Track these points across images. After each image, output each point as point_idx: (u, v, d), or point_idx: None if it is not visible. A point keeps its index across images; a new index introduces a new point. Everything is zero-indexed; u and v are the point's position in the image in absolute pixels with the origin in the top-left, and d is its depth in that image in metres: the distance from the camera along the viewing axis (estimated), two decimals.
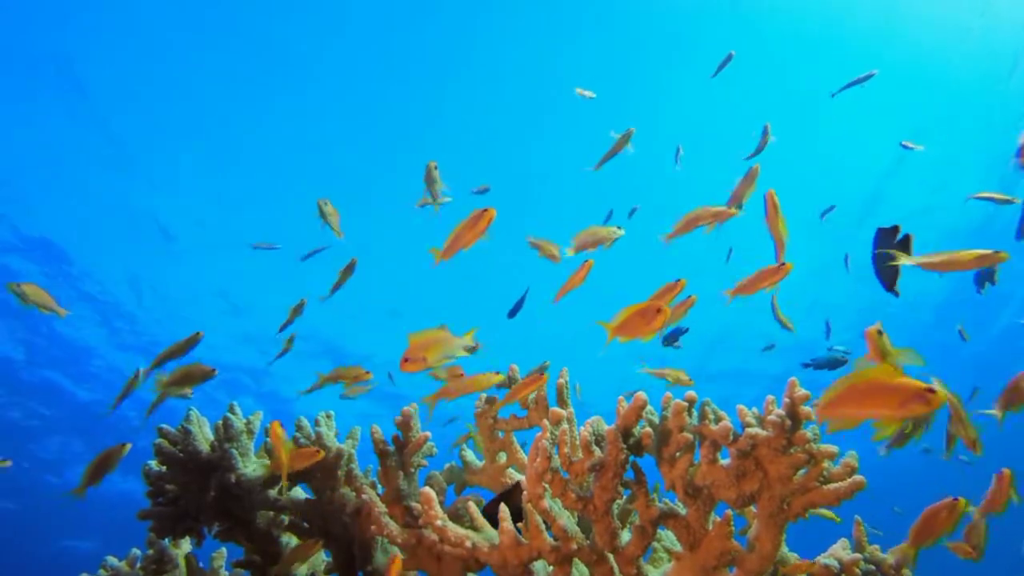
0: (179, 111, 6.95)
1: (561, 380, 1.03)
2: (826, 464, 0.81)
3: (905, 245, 1.34)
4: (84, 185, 6.83)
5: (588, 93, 3.06)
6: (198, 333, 1.59)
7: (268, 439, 1.16)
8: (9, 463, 1.72)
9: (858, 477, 0.79)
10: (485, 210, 1.21)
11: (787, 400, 0.81)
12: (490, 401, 1.11)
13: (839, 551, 0.86)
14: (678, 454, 0.85)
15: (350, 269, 2.23)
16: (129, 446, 1.38)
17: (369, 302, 8.00)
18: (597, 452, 0.83)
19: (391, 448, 1.11)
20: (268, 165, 7.52)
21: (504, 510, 0.91)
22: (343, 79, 7.30)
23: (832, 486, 0.80)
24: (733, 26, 6.96)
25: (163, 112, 6.87)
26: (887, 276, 1.37)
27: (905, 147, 3.35)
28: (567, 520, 0.87)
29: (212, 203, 7.51)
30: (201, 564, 1.27)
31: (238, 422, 1.17)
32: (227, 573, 1.26)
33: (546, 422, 0.88)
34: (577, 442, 0.86)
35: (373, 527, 1.02)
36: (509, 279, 8.19)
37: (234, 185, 7.55)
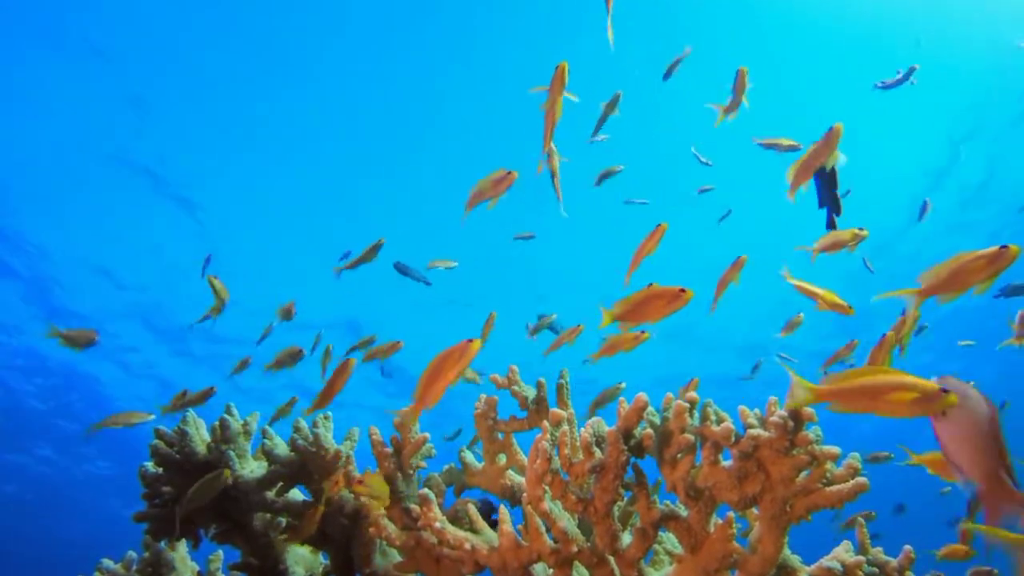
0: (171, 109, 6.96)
1: (562, 381, 1.02)
2: (829, 466, 0.80)
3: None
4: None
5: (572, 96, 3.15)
6: (381, 239, 1.72)
7: (265, 440, 1.15)
8: (152, 416, 1.78)
9: (861, 479, 0.79)
10: None
11: (790, 401, 0.80)
12: (491, 403, 1.10)
13: (842, 553, 0.85)
14: (679, 455, 0.84)
15: (375, 249, 2.19)
16: (214, 389, 1.47)
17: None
18: (598, 454, 0.83)
19: (389, 450, 1.10)
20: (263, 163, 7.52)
21: (504, 512, 0.91)
22: (341, 74, 7.29)
23: (835, 488, 0.79)
24: (740, 14, 6.91)
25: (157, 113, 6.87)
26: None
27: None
28: (567, 522, 0.86)
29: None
30: (198, 567, 1.26)
31: (235, 423, 1.16)
32: None
33: (546, 423, 0.88)
34: (577, 443, 0.85)
35: (372, 529, 1.01)
36: (509, 272, 8.21)
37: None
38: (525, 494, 0.87)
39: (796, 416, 0.79)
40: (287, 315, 2.30)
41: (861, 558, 0.82)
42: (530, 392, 1.08)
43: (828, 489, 0.79)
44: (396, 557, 1.11)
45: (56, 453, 10.04)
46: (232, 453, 1.13)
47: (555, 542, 0.86)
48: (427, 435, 1.09)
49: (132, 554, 1.26)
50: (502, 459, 1.11)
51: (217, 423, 1.15)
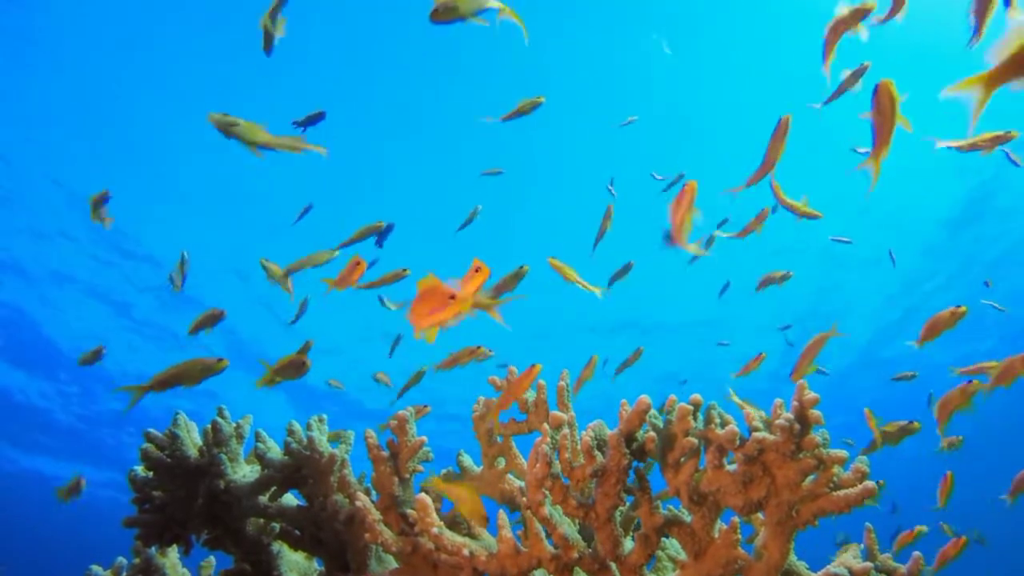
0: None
1: (562, 383, 1.00)
2: (836, 470, 0.78)
3: None
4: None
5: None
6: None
7: (258, 444, 1.13)
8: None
9: (869, 483, 0.77)
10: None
11: (796, 403, 0.78)
12: (488, 404, 1.08)
13: (849, 559, 0.83)
14: (683, 459, 0.82)
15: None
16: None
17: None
18: (599, 457, 0.81)
19: (386, 453, 1.08)
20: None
21: (503, 517, 0.89)
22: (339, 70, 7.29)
23: (842, 492, 0.77)
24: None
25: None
26: None
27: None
28: (568, 528, 0.84)
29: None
30: (190, 573, 1.24)
31: (227, 426, 1.14)
32: None
33: (546, 426, 0.86)
34: (578, 447, 0.83)
35: (367, 535, 0.98)
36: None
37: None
38: (525, 499, 0.85)
39: (802, 419, 0.78)
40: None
41: (868, 564, 0.80)
42: (529, 394, 1.06)
43: (835, 494, 0.78)
44: (392, 563, 1.09)
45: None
46: (224, 457, 1.11)
47: (555, 548, 0.84)
48: (424, 438, 1.07)
49: (122, 560, 1.24)
50: (501, 463, 1.09)
51: (209, 426, 1.13)
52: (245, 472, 1.13)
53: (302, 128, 2.41)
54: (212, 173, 7.42)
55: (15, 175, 6.80)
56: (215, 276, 7.93)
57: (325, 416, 1.15)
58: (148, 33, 6.52)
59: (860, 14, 1.66)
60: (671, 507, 0.86)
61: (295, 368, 1.43)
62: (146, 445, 1.12)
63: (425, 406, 2.26)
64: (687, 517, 0.83)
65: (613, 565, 0.84)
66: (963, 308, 1.77)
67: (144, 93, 6.83)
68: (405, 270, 1.99)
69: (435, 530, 0.89)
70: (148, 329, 8.43)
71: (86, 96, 6.64)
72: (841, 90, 2.07)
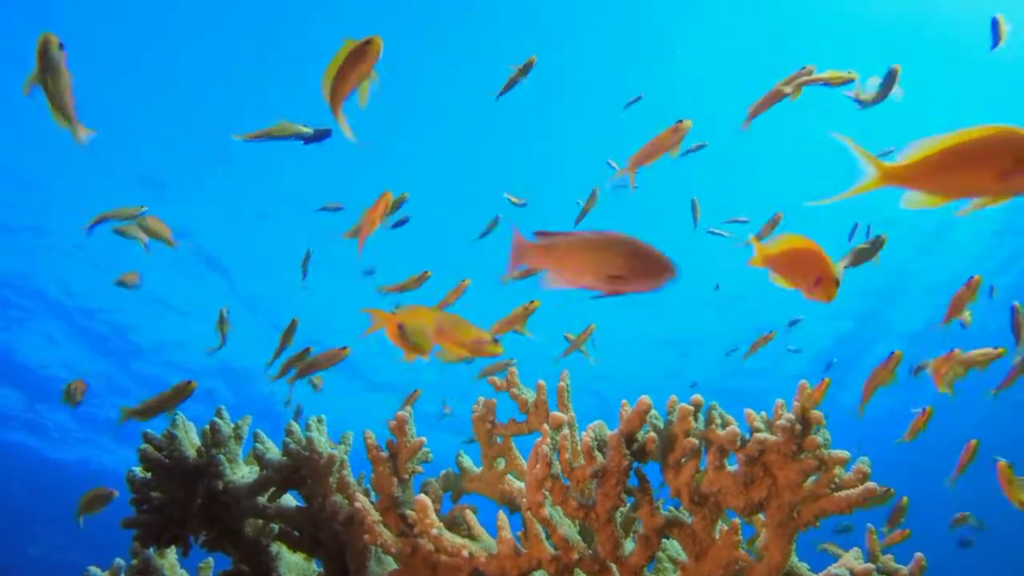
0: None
1: (562, 383, 0.99)
2: (837, 471, 0.78)
3: None
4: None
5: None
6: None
7: (256, 444, 1.12)
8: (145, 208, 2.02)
9: (870, 484, 0.76)
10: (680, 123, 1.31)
11: (797, 404, 0.78)
12: (489, 405, 1.07)
13: (851, 560, 0.83)
14: (683, 460, 0.82)
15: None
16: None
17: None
18: (599, 458, 0.80)
19: (385, 454, 1.07)
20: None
21: (502, 518, 0.88)
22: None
23: (843, 493, 0.77)
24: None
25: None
26: None
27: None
28: (568, 529, 0.84)
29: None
30: (188, 575, 1.23)
31: (226, 427, 1.13)
32: None
33: (546, 427, 0.85)
34: (578, 448, 0.83)
35: (366, 536, 0.98)
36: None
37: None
38: (524, 500, 0.84)
39: (804, 420, 0.77)
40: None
41: (871, 566, 0.80)
42: (529, 395, 1.06)
43: (837, 495, 0.77)
44: (392, 565, 1.08)
45: None
46: (222, 457, 1.11)
47: (555, 549, 0.83)
48: (423, 439, 1.07)
49: (120, 561, 1.23)
50: (501, 464, 1.08)
51: (207, 427, 1.12)
52: (244, 473, 1.13)
53: (303, 144, 2.34)
54: (220, 156, 7.42)
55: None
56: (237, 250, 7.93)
57: (324, 417, 1.15)
58: (156, 27, 6.55)
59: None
60: (672, 508, 0.85)
61: (332, 358, 1.43)
62: (144, 446, 1.12)
63: (416, 390, 2.33)
64: (688, 518, 0.83)
65: (613, 566, 0.84)
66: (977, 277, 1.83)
67: (153, 85, 6.85)
68: (427, 272, 2.01)
69: (435, 531, 0.88)
70: (156, 304, 8.37)
71: (95, 91, 6.67)
72: (885, 91, 2.16)
